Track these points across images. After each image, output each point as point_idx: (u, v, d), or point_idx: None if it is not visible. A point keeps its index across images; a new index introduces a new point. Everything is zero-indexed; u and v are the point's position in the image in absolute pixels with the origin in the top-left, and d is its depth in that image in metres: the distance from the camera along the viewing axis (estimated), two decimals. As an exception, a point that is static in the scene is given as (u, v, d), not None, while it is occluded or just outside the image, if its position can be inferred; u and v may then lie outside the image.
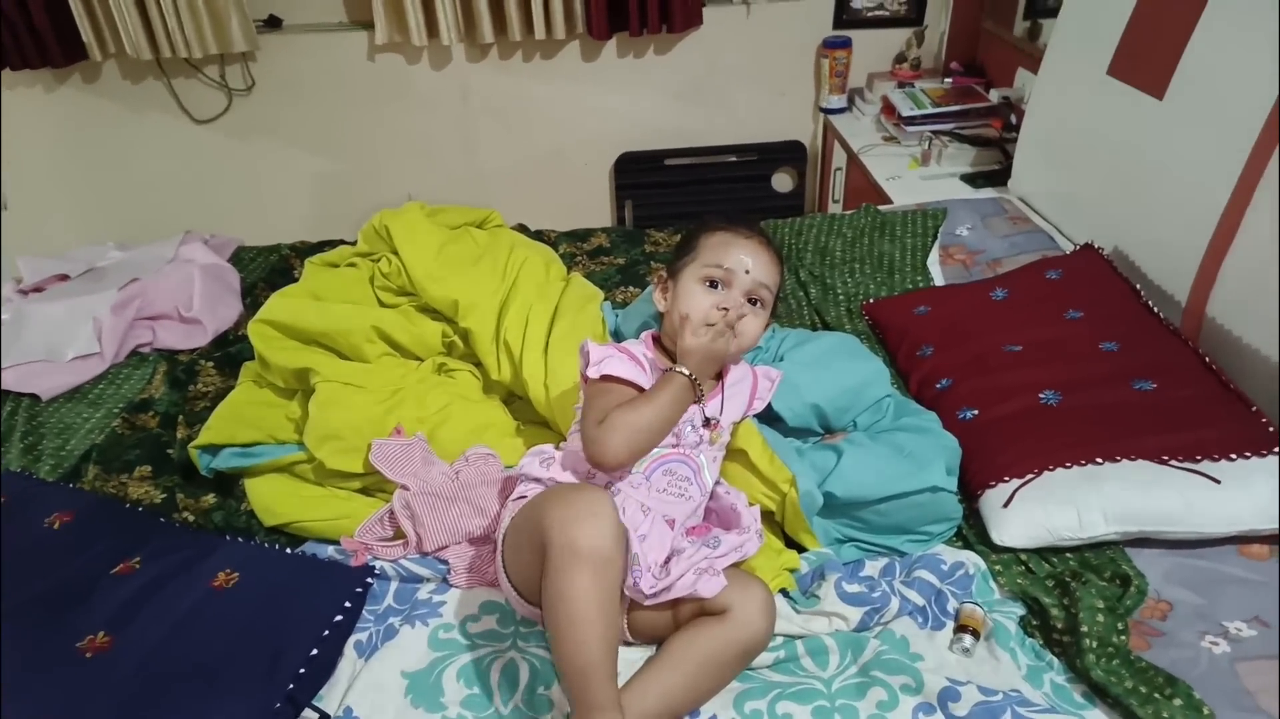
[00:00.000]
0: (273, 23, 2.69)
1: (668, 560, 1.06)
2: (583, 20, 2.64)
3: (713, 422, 1.18)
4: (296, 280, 1.65)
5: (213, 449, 1.38)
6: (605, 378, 1.14)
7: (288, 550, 1.22)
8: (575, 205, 3.00)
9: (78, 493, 1.32)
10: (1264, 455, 1.18)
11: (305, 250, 2.08)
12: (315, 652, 1.03)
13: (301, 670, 1.01)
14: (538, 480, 1.13)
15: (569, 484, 1.09)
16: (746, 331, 1.18)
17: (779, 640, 1.12)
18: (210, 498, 1.36)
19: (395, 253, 1.55)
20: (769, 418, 1.34)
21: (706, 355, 1.12)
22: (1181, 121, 1.60)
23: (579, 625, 0.90)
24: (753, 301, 1.20)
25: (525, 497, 1.12)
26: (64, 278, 1.93)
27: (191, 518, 1.32)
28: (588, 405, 1.14)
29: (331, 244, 2.05)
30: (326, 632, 1.05)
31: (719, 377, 1.25)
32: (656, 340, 1.26)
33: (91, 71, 2.68)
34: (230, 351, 1.74)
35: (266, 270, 2.04)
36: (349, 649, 1.09)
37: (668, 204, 3.00)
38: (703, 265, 1.19)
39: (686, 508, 1.15)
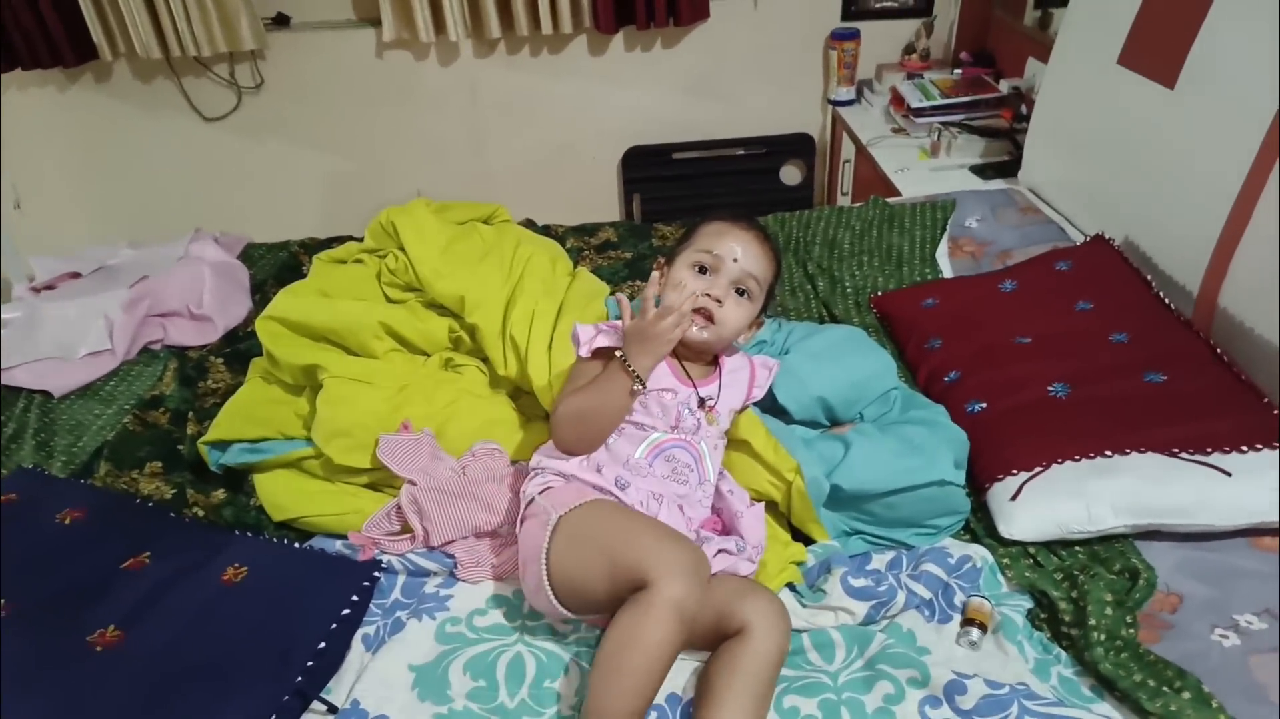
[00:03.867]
0: (281, 20, 2.70)
1: None
2: (589, 14, 2.63)
3: (708, 403, 1.19)
4: (305, 277, 1.66)
5: (222, 445, 1.39)
6: (595, 353, 1.18)
7: (296, 545, 1.23)
8: (583, 200, 3.00)
9: (89, 489, 1.33)
10: (1275, 447, 1.17)
11: (314, 247, 2.09)
12: (323, 645, 1.04)
13: (310, 663, 1.02)
14: (559, 474, 1.14)
15: (666, 526, 1.05)
16: (727, 321, 1.18)
17: (785, 633, 1.12)
18: (220, 493, 1.37)
19: (402, 249, 1.55)
20: (775, 409, 1.33)
21: (644, 340, 1.10)
22: (1193, 110, 1.58)
23: (640, 674, 0.91)
24: (740, 292, 1.20)
25: (551, 486, 1.12)
26: (75, 276, 1.94)
27: (202, 513, 1.33)
28: (562, 386, 1.19)
29: (340, 240, 2.06)
30: (334, 625, 1.06)
31: (715, 362, 1.25)
32: None
33: (102, 71, 2.70)
34: (240, 348, 1.75)
35: (276, 267, 2.05)
36: (356, 642, 1.10)
37: (675, 198, 2.99)
38: (694, 251, 1.21)
39: (688, 495, 1.16)
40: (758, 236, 1.22)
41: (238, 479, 1.39)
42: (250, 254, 2.12)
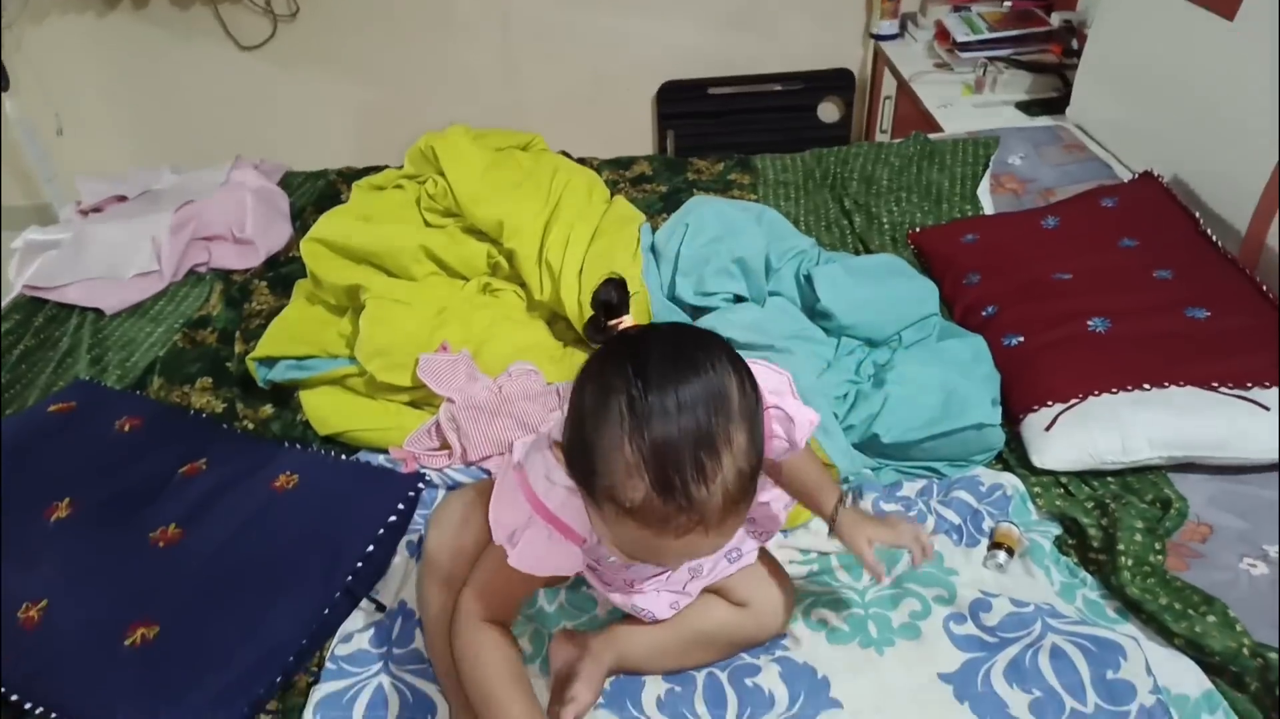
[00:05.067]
0: (316, -54, 2.67)
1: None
2: (627, -58, 2.58)
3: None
4: (344, 204, 1.68)
5: (269, 362, 1.43)
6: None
7: (343, 458, 1.27)
8: (616, 135, 2.97)
9: (144, 400, 1.38)
10: (1317, 383, 1.16)
11: (352, 175, 2.11)
12: (371, 549, 1.08)
13: (359, 565, 1.06)
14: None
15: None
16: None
17: (813, 555, 1.14)
18: (268, 408, 1.42)
19: (441, 174, 1.56)
20: (816, 314, 1.36)
21: None
22: (1252, 43, 1.52)
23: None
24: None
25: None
26: (121, 199, 1.98)
27: (251, 426, 1.38)
28: (478, 572, 0.89)
29: (377, 169, 2.07)
30: (381, 531, 1.10)
31: None
32: None
33: (140, -3, 2.70)
34: (282, 272, 1.78)
35: (314, 195, 2.07)
36: (401, 549, 1.15)
37: (710, 134, 2.96)
38: (628, 557, 0.74)
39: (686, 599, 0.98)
40: (712, 509, 0.66)
41: (284, 396, 1.44)
42: (289, 182, 2.14)
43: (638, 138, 3.04)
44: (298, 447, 1.29)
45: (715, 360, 0.68)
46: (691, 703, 0.97)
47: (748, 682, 0.98)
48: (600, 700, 0.96)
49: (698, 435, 0.64)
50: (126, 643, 0.96)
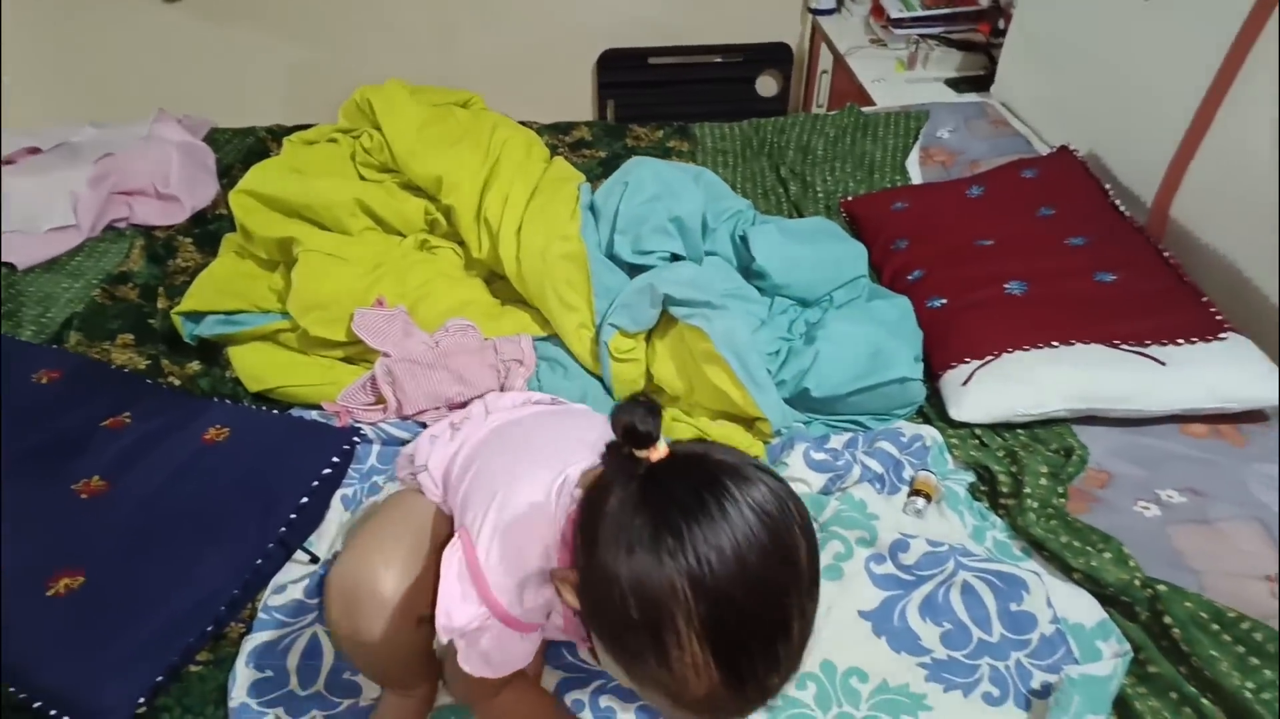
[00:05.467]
0: (243, -106, 2.57)
1: None
2: (568, -96, 2.55)
3: None
4: (275, 159, 1.63)
5: (196, 317, 1.39)
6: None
7: (276, 412, 1.26)
8: (556, 103, 2.94)
9: (63, 353, 1.34)
10: (1209, 341, 1.24)
11: (282, 133, 2.04)
12: (305, 500, 1.08)
13: (292, 516, 1.06)
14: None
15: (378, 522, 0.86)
16: None
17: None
18: (195, 365, 1.39)
19: (377, 129, 1.54)
20: (751, 273, 1.38)
21: None
22: (1165, 23, 1.60)
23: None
24: None
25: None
26: (34, 151, 1.89)
27: (178, 383, 1.34)
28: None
29: (309, 127, 2.02)
30: (315, 483, 1.10)
31: None
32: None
33: (54, -58, 2.56)
34: (210, 229, 1.73)
35: (243, 152, 2.01)
36: (336, 502, 1.14)
37: (650, 104, 2.96)
38: None
39: None
40: (777, 692, 0.61)
41: (212, 351, 1.41)
42: (215, 138, 2.07)
43: (578, 106, 3.02)
44: (228, 402, 1.27)
45: (780, 508, 0.58)
46: (625, 643, 1.00)
47: (679, 622, 1.02)
48: None
49: (774, 625, 0.57)
50: (50, 593, 0.94)
